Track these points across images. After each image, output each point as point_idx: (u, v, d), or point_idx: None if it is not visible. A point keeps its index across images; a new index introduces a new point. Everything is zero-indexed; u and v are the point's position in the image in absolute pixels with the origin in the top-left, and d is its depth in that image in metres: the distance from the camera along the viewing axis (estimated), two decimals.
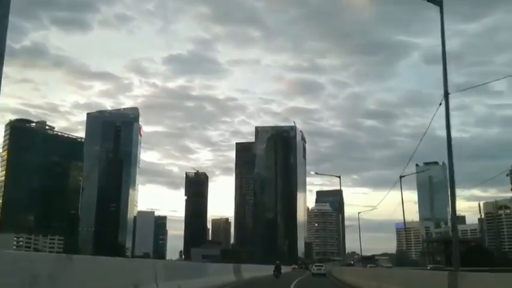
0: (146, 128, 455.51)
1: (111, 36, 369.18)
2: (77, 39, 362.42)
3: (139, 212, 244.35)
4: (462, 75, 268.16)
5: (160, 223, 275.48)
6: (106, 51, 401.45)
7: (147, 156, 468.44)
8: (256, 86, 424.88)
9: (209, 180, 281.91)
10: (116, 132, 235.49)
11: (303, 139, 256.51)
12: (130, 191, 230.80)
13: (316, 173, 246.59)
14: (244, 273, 30.94)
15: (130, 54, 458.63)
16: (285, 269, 58.69)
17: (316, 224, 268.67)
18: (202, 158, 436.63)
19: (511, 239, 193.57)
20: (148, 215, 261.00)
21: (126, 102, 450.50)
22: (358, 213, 70.41)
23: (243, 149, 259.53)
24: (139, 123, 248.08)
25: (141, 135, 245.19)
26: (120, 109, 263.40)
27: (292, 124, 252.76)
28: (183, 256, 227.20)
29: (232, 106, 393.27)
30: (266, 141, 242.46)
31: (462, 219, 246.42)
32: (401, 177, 51.44)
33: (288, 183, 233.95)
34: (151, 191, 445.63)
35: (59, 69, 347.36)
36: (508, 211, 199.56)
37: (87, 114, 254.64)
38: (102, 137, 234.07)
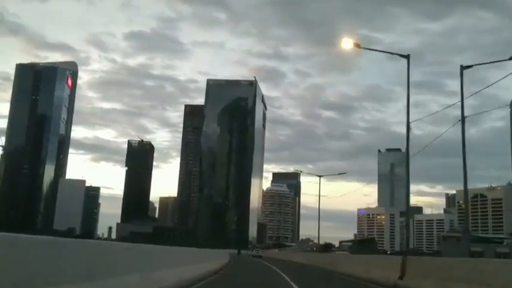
0: (104, 105, 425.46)
1: (71, 6, 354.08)
2: (35, 7, 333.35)
3: (65, 180, 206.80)
4: (420, 73, 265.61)
5: (92, 195, 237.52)
6: (65, 22, 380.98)
7: (103, 133, 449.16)
8: (218, 70, 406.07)
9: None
10: (35, 80, 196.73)
11: (263, 102, 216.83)
12: (50, 153, 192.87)
13: (296, 170, 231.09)
14: None
15: (90, 27, 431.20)
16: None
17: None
18: (159, 139, 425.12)
19: (496, 226, 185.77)
20: (78, 184, 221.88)
21: (84, 77, 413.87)
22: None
23: (192, 113, 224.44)
24: (76, 80, 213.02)
25: (69, 88, 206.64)
26: (55, 62, 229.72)
27: (252, 79, 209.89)
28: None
29: (193, 88, 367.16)
30: (219, 99, 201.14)
31: (419, 209, 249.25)
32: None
33: (244, 153, 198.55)
34: (106, 169, 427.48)
35: (14, 37, 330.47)
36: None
37: (16, 65, 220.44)
38: (21, 87, 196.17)
